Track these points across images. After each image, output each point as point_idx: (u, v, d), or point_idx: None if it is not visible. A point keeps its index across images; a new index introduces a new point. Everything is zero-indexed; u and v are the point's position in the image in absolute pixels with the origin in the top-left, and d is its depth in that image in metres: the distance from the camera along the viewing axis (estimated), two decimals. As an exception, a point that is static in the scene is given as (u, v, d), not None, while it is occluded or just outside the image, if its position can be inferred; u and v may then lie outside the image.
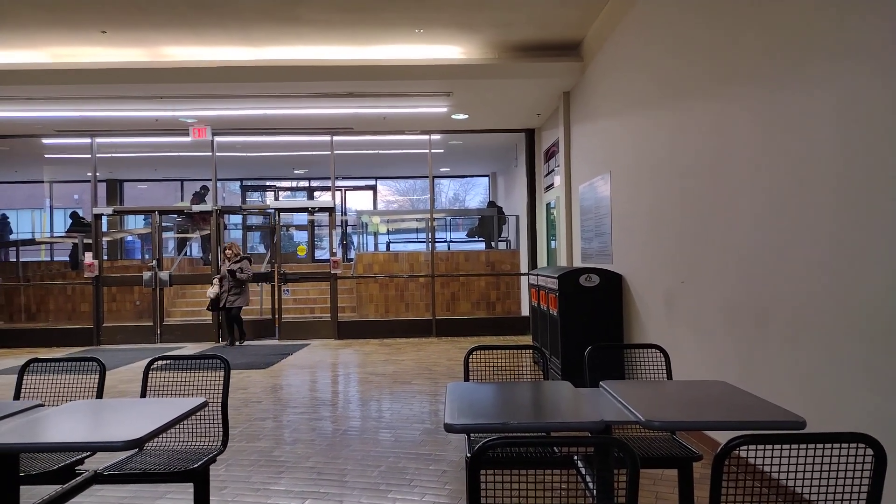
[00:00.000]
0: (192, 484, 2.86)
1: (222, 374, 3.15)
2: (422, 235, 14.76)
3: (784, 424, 2.04)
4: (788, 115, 3.26)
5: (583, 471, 2.64)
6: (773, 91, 3.39)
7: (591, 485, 2.50)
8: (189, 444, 3.10)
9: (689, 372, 4.57)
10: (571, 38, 7.46)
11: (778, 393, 3.40)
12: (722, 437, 4.11)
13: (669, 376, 3.22)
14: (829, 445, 1.72)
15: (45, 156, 12.54)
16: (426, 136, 10.80)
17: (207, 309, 10.09)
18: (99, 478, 2.70)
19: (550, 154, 9.58)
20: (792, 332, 3.25)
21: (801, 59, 3.14)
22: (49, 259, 15.38)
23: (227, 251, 9.93)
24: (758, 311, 3.59)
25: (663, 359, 3.24)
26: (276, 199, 17.41)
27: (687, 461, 2.73)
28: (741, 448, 1.69)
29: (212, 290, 9.90)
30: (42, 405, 2.62)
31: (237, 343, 10.12)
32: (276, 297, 10.57)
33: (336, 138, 10.75)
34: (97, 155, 10.69)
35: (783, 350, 3.34)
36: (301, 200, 17.40)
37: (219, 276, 9.95)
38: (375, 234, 14.51)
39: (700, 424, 2.08)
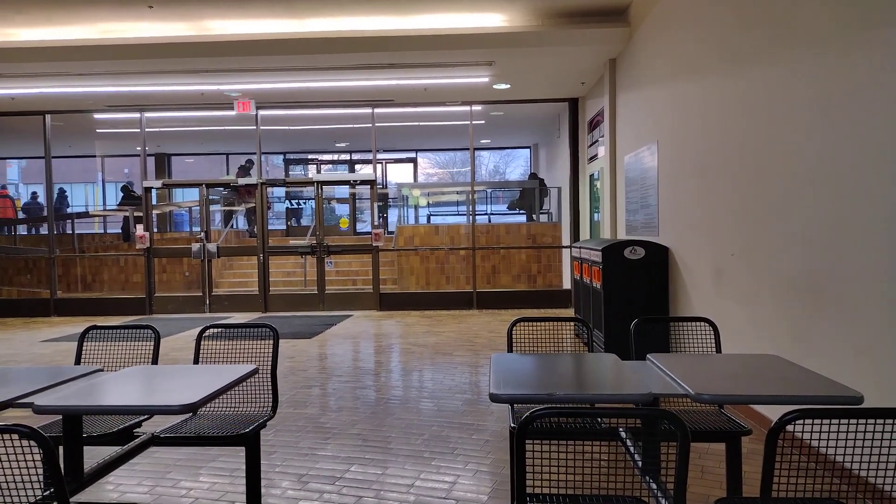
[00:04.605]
0: (243, 448, 2.95)
1: (271, 342, 3.23)
2: (462, 208, 14.70)
3: (840, 399, 1.98)
4: (851, 83, 3.10)
5: (628, 443, 2.62)
6: (837, 56, 3.23)
7: (636, 457, 2.49)
8: (240, 409, 3.19)
9: (739, 347, 4.48)
10: (618, 3, 7.23)
11: (833, 368, 3.30)
12: (770, 411, 4.03)
13: (719, 350, 3.16)
14: (889, 421, 1.66)
15: (97, 130, 12.89)
16: (467, 108, 10.70)
17: None
18: (156, 440, 2.81)
19: (594, 124, 9.38)
20: (850, 307, 3.14)
21: (867, 24, 2.98)
22: (102, 231, 15.90)
23: None
24: (813, 285, 3.48)
25: (712, 332, 3.17)
26: (318, 172, 17.57)
27: (735, 435, 2.69)
28: (794, 423, 1.65)
29: None
30: (101, 370, 2.72)
31: None
32: (320, 269, 10.74)
33: (377, 111, 10.74)
34: (146, 129, 10.94)
35: (840, 325, 3.23)
36: (342, 173, 17.51)
37: None
38: (416, 207, 14.53)
39: (752, 398, 2.03)
